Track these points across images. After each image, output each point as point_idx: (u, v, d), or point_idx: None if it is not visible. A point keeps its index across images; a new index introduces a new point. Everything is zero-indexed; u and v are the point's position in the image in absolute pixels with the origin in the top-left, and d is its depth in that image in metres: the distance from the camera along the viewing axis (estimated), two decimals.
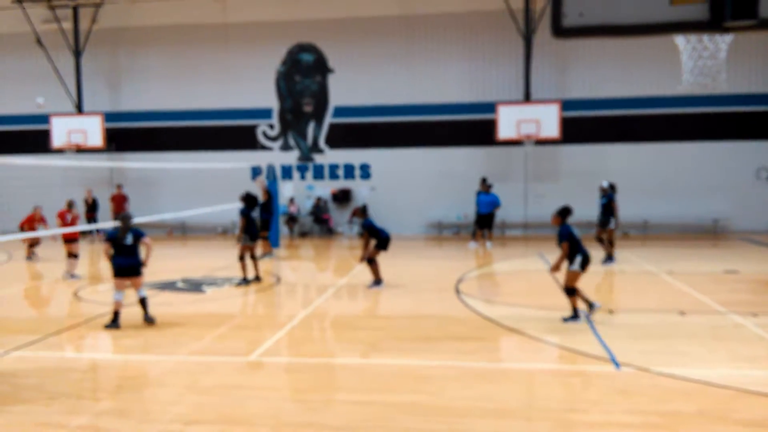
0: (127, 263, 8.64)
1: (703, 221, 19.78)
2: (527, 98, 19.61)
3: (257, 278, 11.97)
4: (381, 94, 21.01)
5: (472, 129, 20.59)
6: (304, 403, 5.73)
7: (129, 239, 8.66)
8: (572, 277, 8.55)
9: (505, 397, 5.81)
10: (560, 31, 4.54)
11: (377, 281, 11.33)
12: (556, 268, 8.64)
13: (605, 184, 13.99)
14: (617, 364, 6.61)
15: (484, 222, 17.35)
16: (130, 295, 9.31)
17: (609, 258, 13.79)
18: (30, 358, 7.29)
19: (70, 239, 12.57)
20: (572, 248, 8.50)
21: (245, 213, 11.99)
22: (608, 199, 13.68)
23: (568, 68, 20.20)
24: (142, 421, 5.29)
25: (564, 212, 8.80)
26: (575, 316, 8.58)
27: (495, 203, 17.19)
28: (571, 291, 8.56)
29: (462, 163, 20.65)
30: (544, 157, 20.31)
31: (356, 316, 9.61)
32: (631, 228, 20.03)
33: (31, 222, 12.25)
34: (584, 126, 20.03)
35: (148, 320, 8.76)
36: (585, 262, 8.54)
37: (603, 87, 20.01)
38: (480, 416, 5.31)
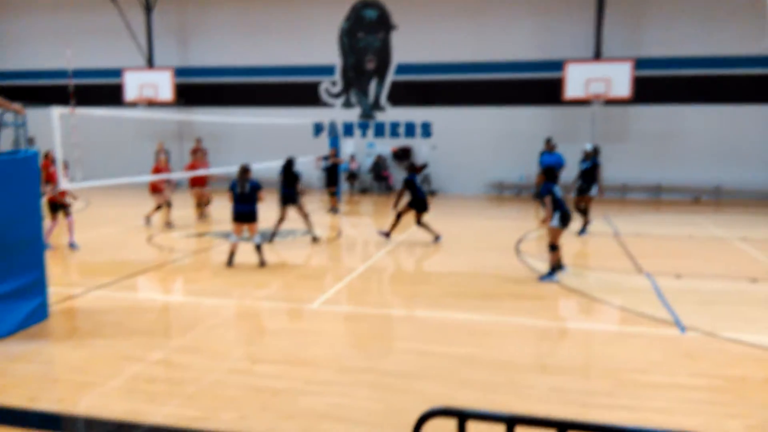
0: (243, 210, 9.43)
1: None
2: (598, 56, 18.87)
3: (314, 237, 11.80)
4: (445, 52, 20.65)
5: (538, 87, 20.04)
6: (364, 350, 5.91)
7: (246, 188, 9.42)
8: (553, 233, 8.67)
9: (564, 355, 5.82)
10: None
11: (387, 233, 11.70)
12: (545, 220, 8.82)
13: (589, 147, 12.96)
14: (682, 328, 6.48)
15: None
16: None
17: (584, 228, 12.50)
18: (109, 297, 7.77)
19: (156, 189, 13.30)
20: (552, 205, 8.57)
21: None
22: (592, 163, 12.51)
23: (643, 25, 19.24)
24: (213, 358, 5.60)
25: (548, 173, 8.89)
26: (552, 273, 8.66)
27: (559, 163, 16.55)
28: (552, 247, 8.69)
29: (526, 123, 20.21)
30: (613, 117, 19.61)
31: (415, 271, 9.73)
32: (703, 193, 19.24)
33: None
34: (657, 86, 19.16)
35: (262, 264, 9.43)
36: (564, 219, 8.60)
37: (679, 45, 19.00)
38: (538, 372, 5.34)
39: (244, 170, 9.64)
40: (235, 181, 9.58)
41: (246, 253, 10.02)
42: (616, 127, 19.71)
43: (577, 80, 18.46)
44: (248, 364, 5.44)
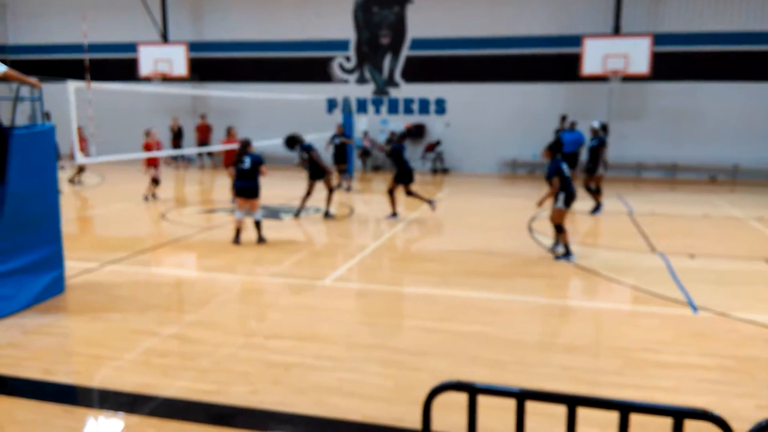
0: (244, 185, 9.33)
1: None
2: (616, 31, 18.52)
3: (326, 213, 11.83)
4: (460, 26, 20.37)
5: (554, 63, 19.76)
6: (375, 327, 5.96)
7: (247, 163, 9.27)
8: (558, 214, 8.50)
9: (574, 334, 5.82)
10: None
11: (393, 213, 11.61)
12: (541, 203, 8.69)
13: (596, 124, 12.70)
14: (695, 308, 6.45)
15: (569, 161, 16.71)
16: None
17: (598, 207, 12.42)
18: (123, 272, 7.87)
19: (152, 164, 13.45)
20: (560, 184, 8.41)
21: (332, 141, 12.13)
22: (599, 141, 12.33)
23: (662, 0, 18.81)
24: (227, 333, 5.67)
25: (555, 146, 8.70)
26: (567, 253, 8.54)
27: (579, 141, 16.13)
28: (559, 228, 8.53)
29: (541, 100, 19.97)
30: (630, 94, 19.31)
31: (426, 249, 9.73)
32: (720, 172, 18.98)
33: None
34: (676, 62, 18.81)
35: (260, 240, 9.41)
36: (569, 200, 8.45)
37: (699, 21, 18.59)
38: (547, 350, 5.36)
39: (245, 144, 9.53)
40: (237, 155, 9.52)
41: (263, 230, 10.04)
42: (633, 105, 19.43)
43: (594, 56, 18.16)
44: (260, 339, 5.51)
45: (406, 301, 6.89)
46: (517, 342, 5.50)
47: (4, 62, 6.30)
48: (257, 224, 9.51)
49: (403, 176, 11.34)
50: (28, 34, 24.45)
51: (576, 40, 18.76)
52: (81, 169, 16.68)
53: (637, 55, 17.87)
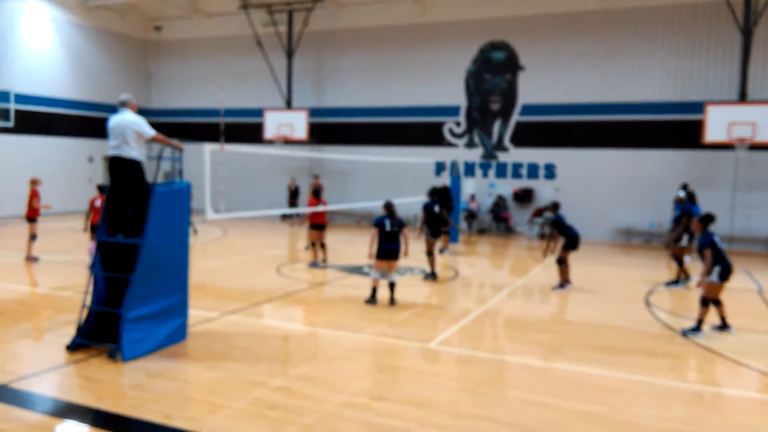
0: (391, 247, 9.46)
1: None
2: (743, 98, 17.60)
3: (433, 274, 11.93)
4: (572, 92, 20.25)
5: (673, 130, 19.02)
6: (480, 396, 5.82)
7: (388, 226, 9.48)
8: (709, 288, 8.04)
9: (699, 422, 5.38)
10: None
11: (563, 283, 11.09)
12: (700, 280, 8.17)
13: (682, 193, 12.02)
14: None
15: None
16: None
17: (677, 280, 11.81)
18: (240, 322, 8.28)
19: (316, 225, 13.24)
20: (713, 258, 7.96)
21: (428, 207, 12.34)
22: (682, 210, 11.71)
23: None
24: (332, 390, 5.78)
25: (706, 219, 8.39)
26: (697, 328, 8.06)
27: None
28: (705, 302, 8.06)
29: (658, 167, 19.19)
30: (759, 163, 18.09)
31: (534, 317, 9.45)
32: None
33: (34, 195, 13.13)
34: None
35: (392, 302, 9.48)
36: (725, 274, 7.98)
37: None
38: None
39: (388, 206, 9.61)
40: (382, 217, 9.59)
41: (365, 288, 10.24)
42: (762, 174, 18.15)
43: (718, 123, 17.29)
44: (366, 400, 5.55)
45: (512, 372, 6.69)
46: (634, 426, 5.16)
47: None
48: (391, 286, 9.54)
49: (572, 243, 11.03)
50: (169, 99, 27.13)
51: (698, 107, 18.00)
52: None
53: (766, 122, 16.82)
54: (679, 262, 11.90)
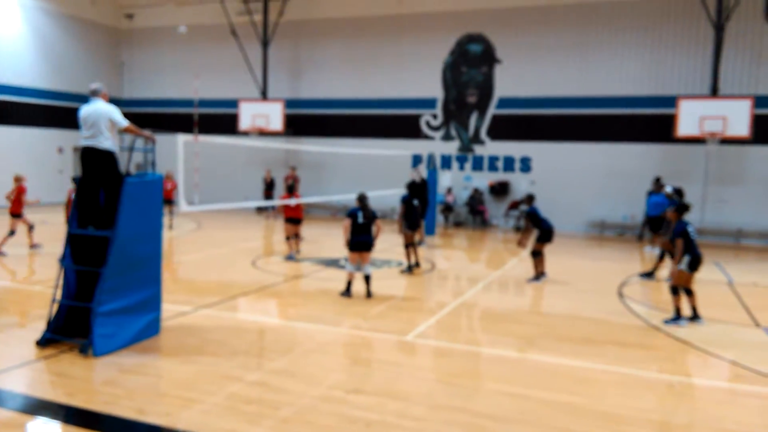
0: (359, 240, 9.40)
1: None
2: (714, 93, 17.90)
3: (417, 264, 12.06)
4: (548, 86, 20.38)
5: (646, 124, 19.29)
6: (457, 387, 5.82)
7: (360, 218, 9.43)
8: (679, 276, 8.25)
9: (671, 411, 5.47)
10: None
11: (538, 275, 11.18)
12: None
13: (669, 189, 12.15)
14: None
15: (653, 225, 16.11)
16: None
17: (651, 272, 12.01)
18: (214, 316, 8.18)
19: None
20: (684, 247, 8.19)
21: (406, 200, 12.33)
22: (671, 204, 11.94)
23: (764, 62, 18.07)
24: (308, 383, 5.73)
25: (682, 208, 8.60)
26: (677, 317, 8.28)
27: (664, 205, 15.56)
28: (674, 290, 8.30)
29: (632, 161, 19.45)
30: (729, 157, 18.45)
31: (510, 309, 9.51)
32: None
33: (21, 192, 13.12)
34: None
35: (369, 295, 9.44)
36: (694, 264, 8.20)
37: None
38: (642, 427, 5.04)
39: (361, 198, 9.61)
40: (355, 208, 9.55)
41: (341, 281, 10.20)
42: (733, 168, 18.52)
43: (690, 117, 17.57)
44: (342, 394, 5.52)
45: (489, 363, 6.71)
46: (609, 415, 5.22)
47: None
48: (367, 278, 9.52)
49: (547, 235, 11.09)
50: (141, 89, 26.64)
51: (671, 101, 18.28)
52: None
53: (737, 117, 17.15)
54: (662, 256, 12.03)
